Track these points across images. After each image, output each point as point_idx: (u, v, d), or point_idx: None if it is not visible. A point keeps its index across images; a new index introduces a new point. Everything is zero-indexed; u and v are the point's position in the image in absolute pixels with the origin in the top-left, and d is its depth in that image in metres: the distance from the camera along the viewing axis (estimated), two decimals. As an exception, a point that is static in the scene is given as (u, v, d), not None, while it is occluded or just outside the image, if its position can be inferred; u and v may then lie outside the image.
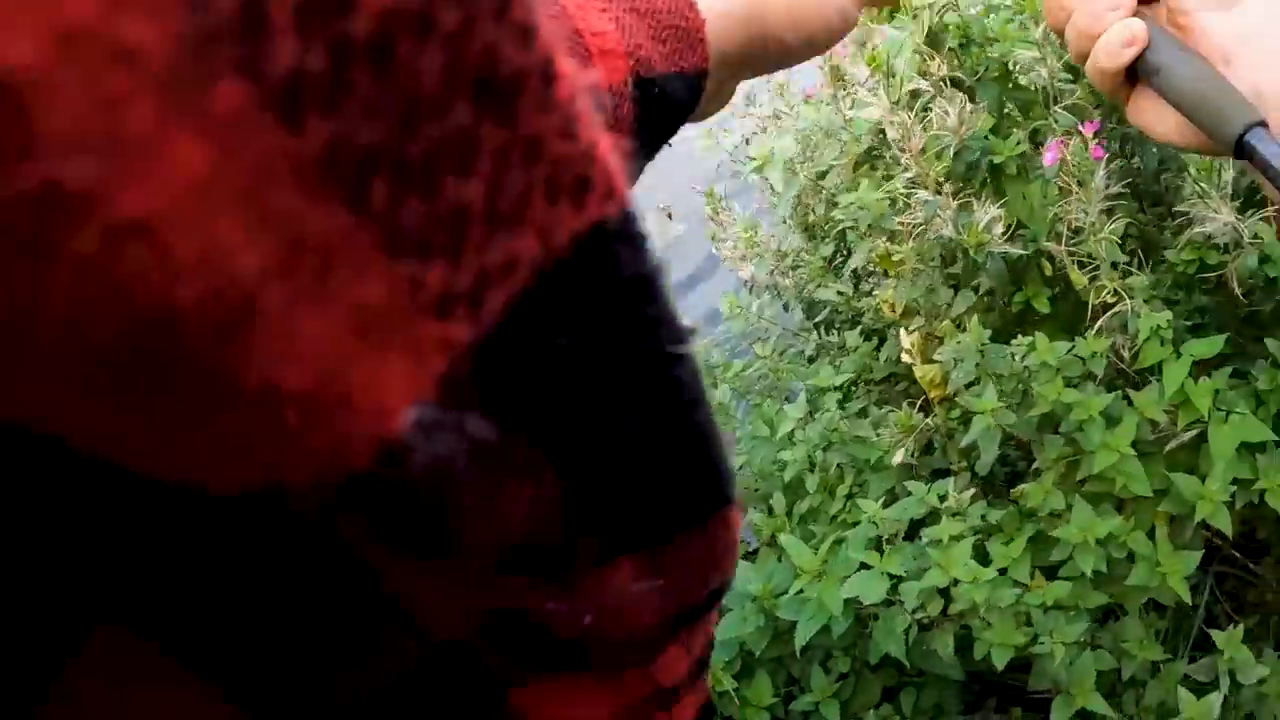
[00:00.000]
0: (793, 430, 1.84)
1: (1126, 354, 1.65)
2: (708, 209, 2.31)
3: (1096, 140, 1.35)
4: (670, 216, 3.60)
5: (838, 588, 1.60)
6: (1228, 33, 0.61)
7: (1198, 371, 1.59)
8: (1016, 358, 1.60)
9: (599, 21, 0.47)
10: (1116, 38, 0.62)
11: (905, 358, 1.67)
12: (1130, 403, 1.60)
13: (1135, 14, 0.63)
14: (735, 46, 0.55)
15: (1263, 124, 0.57)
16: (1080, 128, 1.36)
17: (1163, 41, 0.62)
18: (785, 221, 2.27)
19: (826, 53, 0.70)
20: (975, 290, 1.74)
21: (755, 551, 2.21)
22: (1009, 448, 1.84)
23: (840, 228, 1.89)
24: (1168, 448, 1.61)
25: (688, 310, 3.28)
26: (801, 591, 1.65)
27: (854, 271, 2.03)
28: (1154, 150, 1.65)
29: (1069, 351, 1.60)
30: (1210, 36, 0.61)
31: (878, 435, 1.77)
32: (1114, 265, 1.61)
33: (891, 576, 1.51)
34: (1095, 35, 0.63)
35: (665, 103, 0.51)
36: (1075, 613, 1.58)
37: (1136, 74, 0.63)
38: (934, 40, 1.60)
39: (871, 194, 1.71)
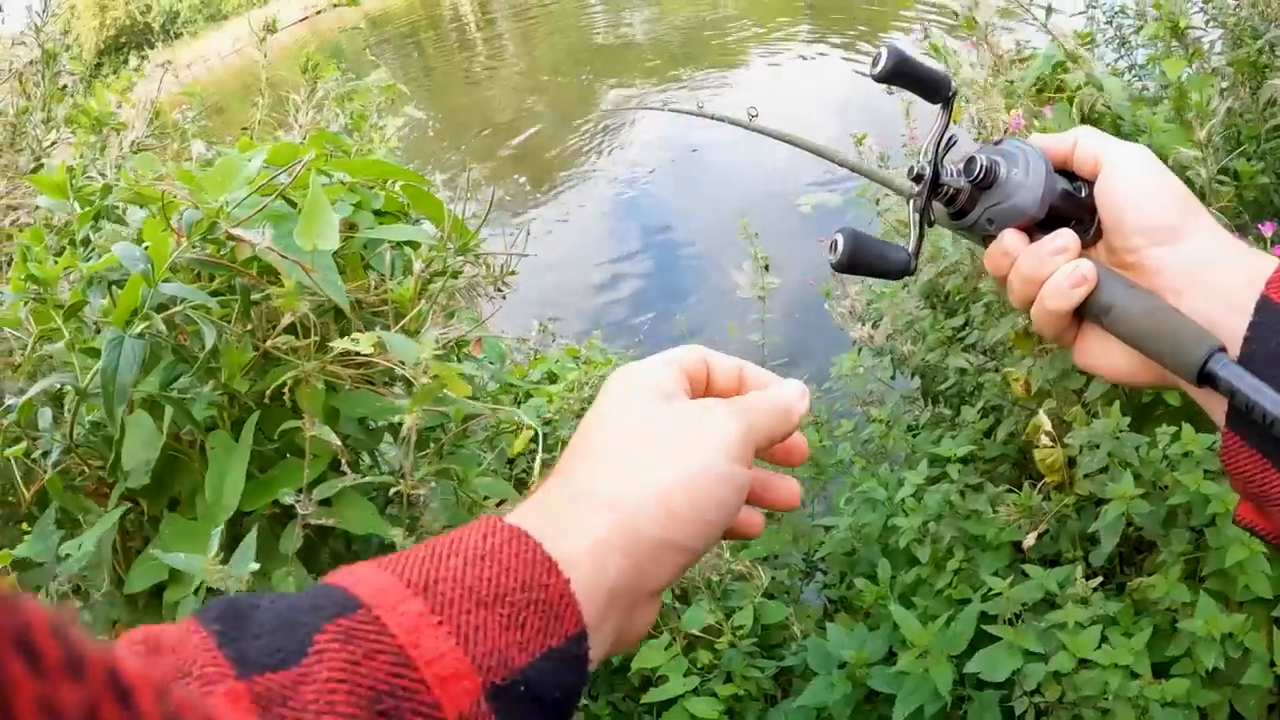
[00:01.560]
0: (906, 498, 1.84)
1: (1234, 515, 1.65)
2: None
3: (1275, 242, 1.36)
4: (767, 268, 3.63)
5: (946, 665, 1.59)
6: (1177, 266, 0.60)
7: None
8: (1158, 446, 1.60)
9: (435, 641, 0.42)
10: (1065, 279, 0.62)
11: (1043, 441, 1.66)
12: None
13: (1080, 256, 0.64)
14: (623, 573, 0.48)
15: (1222, 349, 0.57)
16: (1259, 227, 1.36)
17: (1111, 280, 0.62)
18: (905, 288, 2.28)
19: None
20: (1107, 376, 1.73)
21: (834, 610, 2.21)
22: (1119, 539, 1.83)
23: (967, 302, 1.90)
24: (1289, 553, 1.60)
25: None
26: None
27: (980, 346, 2.04)
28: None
29: (1213, 445, 1.60)
30: (1159, 272, 0.61)
31: (995, 512, 1.76)
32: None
33: (1027, 654, 1.49)
34: (1041, 280, 0.64)
35: (542, 691, 0.44)
36: (1189, 710, 1.56)
37: (1083, 316, 0.64)
38: (1088, 124, 1.61)
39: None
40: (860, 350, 2.30)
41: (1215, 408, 0.59)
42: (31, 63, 2.46)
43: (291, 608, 0.42)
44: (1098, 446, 1.59)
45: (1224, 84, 2.56)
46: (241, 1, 41.17)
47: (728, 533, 0.56)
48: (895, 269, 0.69)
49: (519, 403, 2.16)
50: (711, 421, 0.54)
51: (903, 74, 0.68)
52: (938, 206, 0.70)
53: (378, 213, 1.24)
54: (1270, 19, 2.75)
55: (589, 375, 2.18)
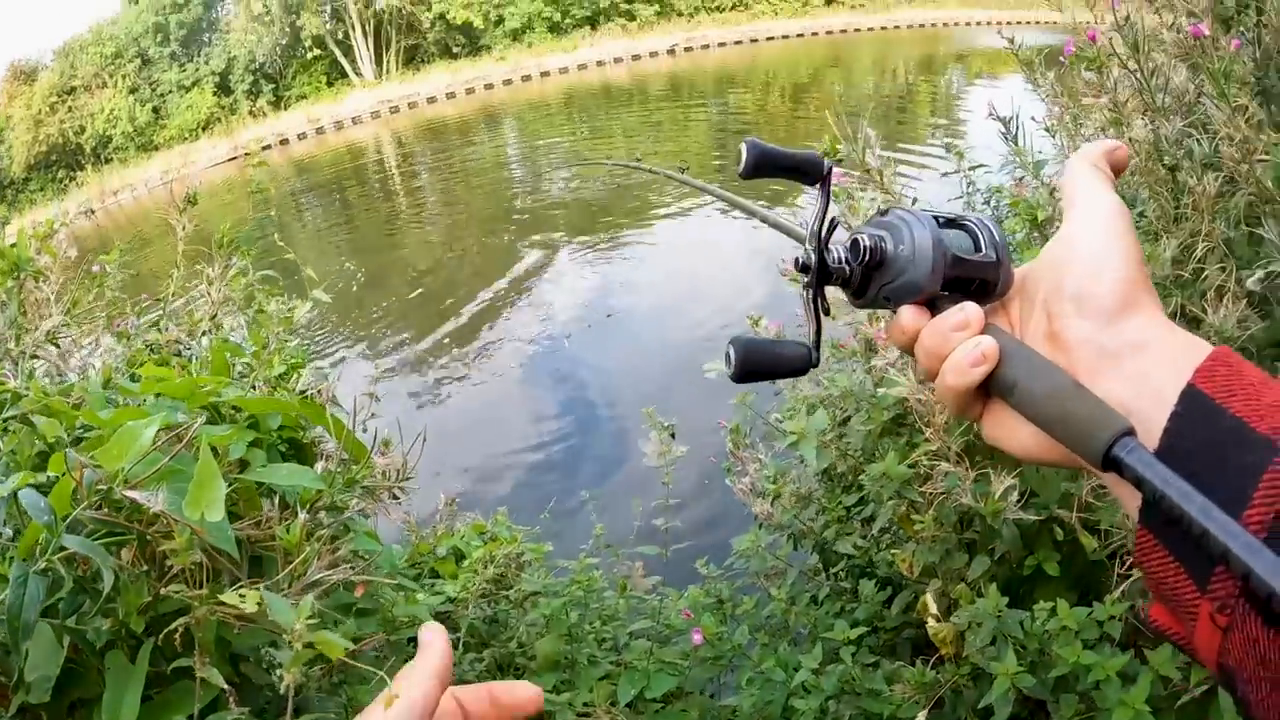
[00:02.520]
0: (805, 678, 1.88)
1: (1144, 614, 1.73)
2: (729, 444, 2.39)
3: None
4: (674, 436, 3.70)
5: None
6: (1100, 346, 0.56)
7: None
8: (1036, 621, 1.67)
9: None
10: (964, 357, 0.59)
11: (931, 620, 1.73)
12: (1145, 661, 1.65)
13: (985, 330, 0.61)
14: None
15: (1131, 432, 0.51)
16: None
17: (1017, 356, 0.58)
18: (801, 462, 2.36)
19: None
20: (990, 555, 1.82)
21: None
22: (1016, 703, 1.88)
23: (860, 481, 2.00)
24: (1179, 703, 1.65)
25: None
26: None
27: (872, 522, 2.12)
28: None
29: (1088, 615, 1.68)
30: (1080, 348, 0.56)
31: (891, 689, 1.81)
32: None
33: None
34: (943, 356, 0.61)
35: None
36: None
37: (988, 392, 0.60)
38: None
39: (897, 465, 1.82)
40: (760, 526, 2.37)
41: (1128, 499, 0.53)
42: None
43: None
44: (981, 624, 1.66)
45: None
46: (174, 134, 41.54)
47: None
48: (795, 366, 0.66)
49: (422, 584, 2.16)
50: None
51: (769, 165, 0.67)
52: (838, 290, 0.67)
53: (280, 427, 1.29)
54: (1157, 195, 2.98)
55: (494, 553, 2.20)
